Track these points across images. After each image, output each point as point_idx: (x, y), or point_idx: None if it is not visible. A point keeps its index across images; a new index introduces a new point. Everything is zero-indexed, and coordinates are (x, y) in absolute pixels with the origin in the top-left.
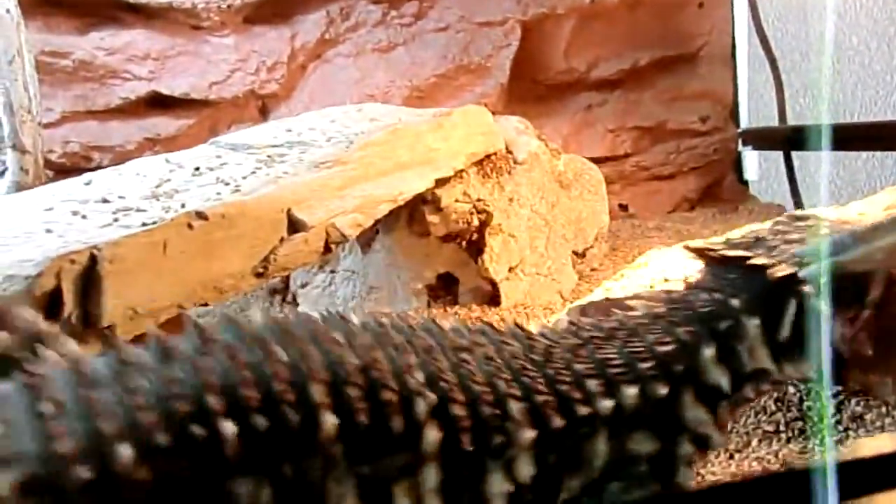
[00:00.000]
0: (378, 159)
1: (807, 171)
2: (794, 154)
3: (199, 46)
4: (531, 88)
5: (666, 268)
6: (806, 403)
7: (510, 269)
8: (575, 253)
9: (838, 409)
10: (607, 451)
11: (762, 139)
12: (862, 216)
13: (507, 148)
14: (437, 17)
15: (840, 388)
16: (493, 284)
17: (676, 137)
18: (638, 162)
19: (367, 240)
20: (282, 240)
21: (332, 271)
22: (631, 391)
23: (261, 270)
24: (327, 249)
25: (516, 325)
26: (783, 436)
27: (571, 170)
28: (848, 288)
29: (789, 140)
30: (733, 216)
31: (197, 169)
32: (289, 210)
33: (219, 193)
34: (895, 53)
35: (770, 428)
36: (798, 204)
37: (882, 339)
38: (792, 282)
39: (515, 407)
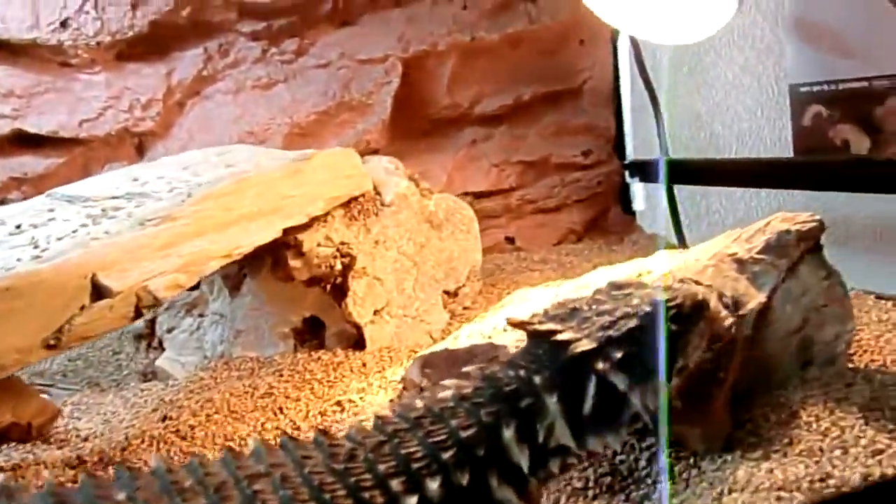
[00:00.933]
0: (218, 212)
1: (692, 201)
2: (676, 186)
3: (69, 83)
4: (415, 124)
5: (519, 312)
6: (618, 457)
7: (376, 312)
8: (446, 292)
9: (649, 462)
10: None
11: (646, 171)
12: (695, 264)
13: (375, 189)
14: (318, 54)
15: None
16: (358, 328)
17: (561, 171)
18: (523, 196)
19: (235, 283)
20: (82, 308)
21: (201, 315)
22: (433, 484)
23: (52, 342)
24: (138, 314)
25: (320, 431)
26: (590, 492)
27: (443, 209)
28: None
29: (670, 173)
30: (619, 247)
31: (18, 226)
32: (93, 275)
33: (19, 259)
34: (763, 89)
35: (579, 484)
36: (679, 234)
37: (689, 390)
38: (591, 357)
39: None
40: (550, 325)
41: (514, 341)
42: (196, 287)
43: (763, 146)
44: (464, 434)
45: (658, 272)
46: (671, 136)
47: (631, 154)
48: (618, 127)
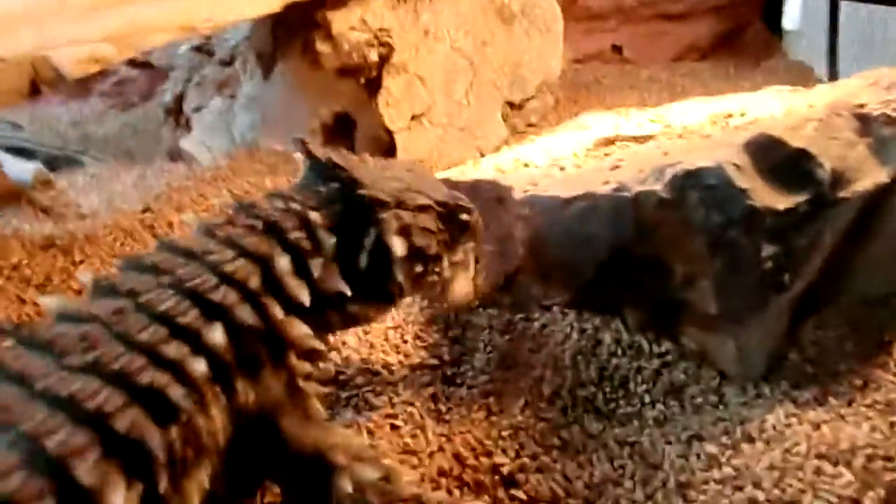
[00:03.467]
0: None
1: (864, 25)
2: (847, 3)
3: None
4: None
5: (583, 138)
6: (615, 360)
7: (414, 118)
8: (509, 103)
9: (655, 375)
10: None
11: None
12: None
13: None
14: None
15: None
16: (390, 134)
17: None
18: None
19: (268, 64)
20: None
21: (232, 96)
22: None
23: None
24: (35, 90)
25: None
26: (558, 403)
27: (519, 1)
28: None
29: None
30: (750, 73)
31: None
32: None
33: None
34: None
35: (547, 390)
36: (833, 66)
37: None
38: (380, 210)
39: None
40: (348, 169)
41: (527, 182)
42: (230, 63)
43: None
44: (229, 268)
45: (752, 116)
46: None
47: None
48: None
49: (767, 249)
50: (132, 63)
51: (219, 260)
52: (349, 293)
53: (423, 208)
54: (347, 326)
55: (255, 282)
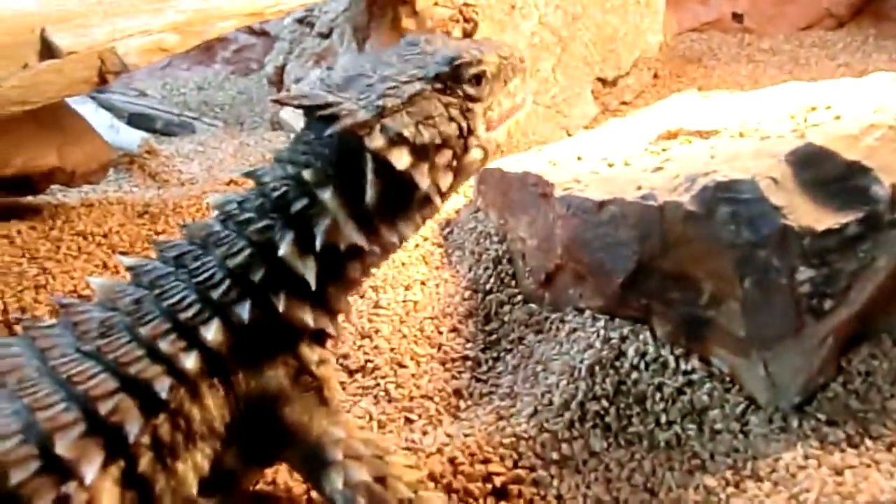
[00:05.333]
0: None
1: None
2: None
3: None
4: None
5: (649, 128)
6: (634, 374)
7: None
8: (601, 80)
9: (676, 395)
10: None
11: None
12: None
13: None
14: None
15: None
16: None
17: None
18: None
19: (364, 36)
20: (25, 66)
21: (329, 68)
22: (209, 332)
23: None
24: (103, 80)
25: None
26: (571, 419)
27: None
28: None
29: None
30: (894, 45)
31: None
32: (42, 30)
33: None
34: None
35: (558, 399)
36: None
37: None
38: (365, 133)
39: None
40: (317, 100)
41: (572, 178)
42: (328, 36)
43: None
44: (233, 262)
45: (838, 111)
46: None
47: None
48: None
49: (804, 272)
50: (250, 30)
51: (226, 253)
52: (365, 245)
53: (413, 97)
54: (385, 259)
55: (258, 275)
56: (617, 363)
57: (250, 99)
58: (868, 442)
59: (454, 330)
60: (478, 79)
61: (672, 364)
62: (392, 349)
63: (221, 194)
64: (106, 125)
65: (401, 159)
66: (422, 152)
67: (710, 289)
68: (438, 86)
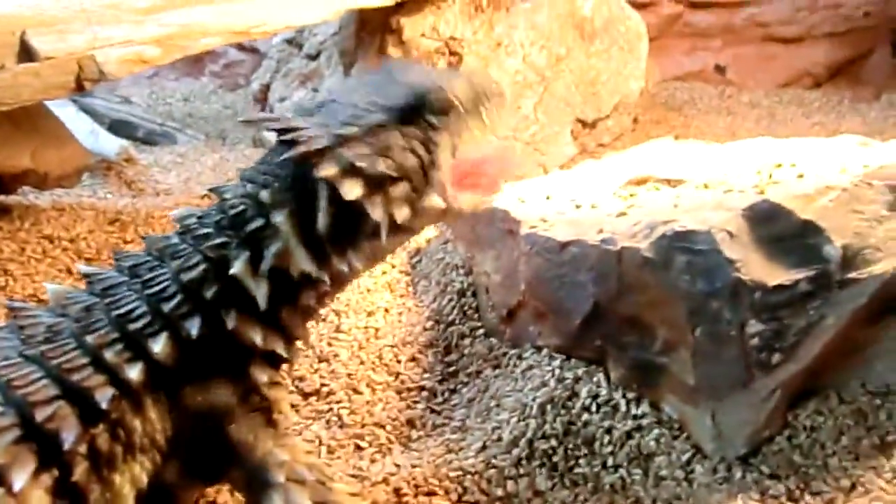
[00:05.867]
0: None
1: None
2: None
3: None
4: None
5: (620, 173)
6: (586, 415)
7: None
8: (581, 121)
9: (626, 437)
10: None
11: None
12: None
13: None
14: None
15: None
16: None
17: None
18: (753, 15)
19: (350, 61)
20: (2, 67)
21: (315, 90)
22: (157, 345)
23: None
24: (80, 87)
25: (14, 310)
26: (520, 460)
27: (602, 17)
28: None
29: None
30: (867, 106)
31: None
32: (23, 33)
33: None
34: None
35: (512, 435)
36: None
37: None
38: (320, 161)
39: None
40: (285, 121)
41: (538, 218)
42: (315, 58)
43: None
44: (186, 276)
45: (802, 169)
46: None
47: None
48: None
49: (754, 326)
50: (240, 47)
51: (181, 266)
52: (314, 273)
53: (373, 128)
54: (341, 289)
55: (210, 291)
56: (569, 403)
57: (235, 114)
58: (808, 497)
59: (413, 359)
60: (443, 110)
61: (623, 407)
62: (349, 374)
63: (185, 207)
64: (86, 130)
65: (352, 189)
66: (376, 183)
67: (664, 335)
68: (401, 116)
